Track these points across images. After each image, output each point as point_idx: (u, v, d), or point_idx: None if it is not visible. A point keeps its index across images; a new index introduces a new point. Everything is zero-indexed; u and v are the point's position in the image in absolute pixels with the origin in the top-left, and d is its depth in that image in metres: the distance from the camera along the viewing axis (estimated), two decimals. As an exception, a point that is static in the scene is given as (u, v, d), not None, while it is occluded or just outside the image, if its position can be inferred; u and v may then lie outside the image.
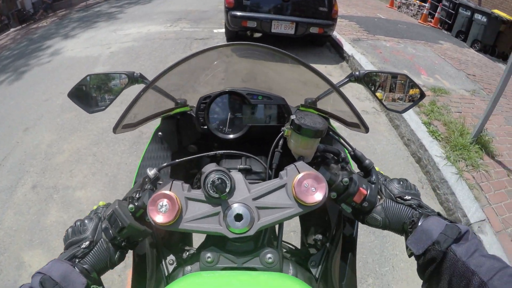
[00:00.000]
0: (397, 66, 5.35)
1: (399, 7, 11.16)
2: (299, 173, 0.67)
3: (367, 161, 0.80)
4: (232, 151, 0.87)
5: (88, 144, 3.51)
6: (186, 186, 0.69)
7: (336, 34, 6.50)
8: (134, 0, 11.56)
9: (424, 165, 3.33)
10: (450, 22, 9.27)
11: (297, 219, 1.14)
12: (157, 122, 1.08)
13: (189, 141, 1.08)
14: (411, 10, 10.62)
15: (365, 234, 2.55)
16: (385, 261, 2.39)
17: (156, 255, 0.88)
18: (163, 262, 0.86)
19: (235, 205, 0.65)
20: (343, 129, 1.05)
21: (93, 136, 3.62)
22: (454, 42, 7.94)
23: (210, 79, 1.17)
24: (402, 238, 0.70)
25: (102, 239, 0.68)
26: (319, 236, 0.96)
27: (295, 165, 0.70)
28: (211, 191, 0.66)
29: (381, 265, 2.36)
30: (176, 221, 0.64)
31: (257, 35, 6.09)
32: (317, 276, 0.87)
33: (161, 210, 0.63)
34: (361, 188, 0.72)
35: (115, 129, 0.84)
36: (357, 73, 1.03)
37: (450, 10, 9.28)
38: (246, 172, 0.94)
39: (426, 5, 9.91)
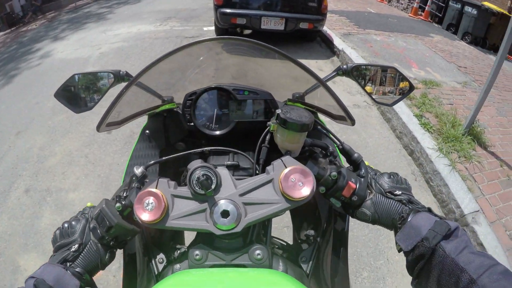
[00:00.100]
0: (388, 60, 5.37)
1: (389, 1, 11.20)
2: (286, 167, 0.66)
3: (355, 155, 0.79)
4: (219, 148, 0.87)
5: (80, 145, 3.49)
6: (172, 183, 0.69)
7: (326, 29, 6.49)
8: (123, 0, 11.48)
9: (416, 158, 3.34)
10: (440, 15, 9.31)
11: (289, 214, 1.15)
12: (145, 120, 1.07)
13: (176, 138, 1.08)
14: (401, 4, 10.67)
15: (359, 227, 2.56)
16: (380, 254, 2.40)
17: (146, 254, 0.87)
18: (153, 261, 0.86)
19: (222, 202, 0.65)
20: (335, 124, 1.05)
21: (85, 138, 3.60)
22: (444, 35, 7.97)
23: (199, 76, 1.17)
24: None
25: (91, 241, 0.67)
26: (311, 232, 0.96)
27: (282, 160, 0.69)
28: (196, 188, 0.65)
29: (376, 258, 2.37)
30: (163, 219, 0.64)
31: (247, 31, 6.08)
32: (308, 272, 0.87)
33: (147, 208, 0.63)
34: (350, 182, 0.72)
35: (98, 127, 0.83)
36: (344, 66, 1.03)
37: (440, 3, 9.33)
38: (234, 168, 0.93)
39: (416, -2, 9.95)
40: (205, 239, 0.72)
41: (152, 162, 0.77)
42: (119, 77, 1.02)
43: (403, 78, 1.05)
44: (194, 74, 1.19)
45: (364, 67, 1.07)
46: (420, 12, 9.81)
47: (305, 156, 0.80)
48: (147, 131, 1.04)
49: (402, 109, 3.84)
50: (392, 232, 0.70)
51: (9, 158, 3.41)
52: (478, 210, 2.62)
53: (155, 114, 1.05)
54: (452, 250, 0.57)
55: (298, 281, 0.64)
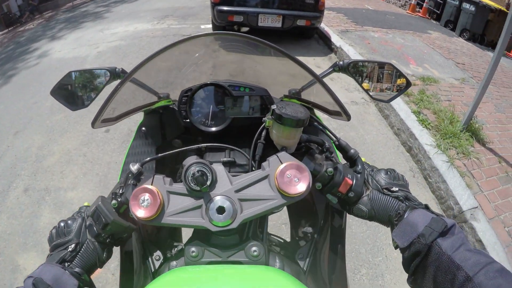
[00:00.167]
0: (386, 56, 5.36)
1: (387, -3, 11.19)
2: (281, 163, 0.66)
3: (352, 151, 0.79)
4: (215, 144, 0.86)
5: (78, 144, 3.49)
6: (168, 180, 0.69)
7: (324, 26, 6.49)
8: (120, -2, 11.47)
9: (414, 154, 3.34)
10: (438, 12, 9.32)
11: (287, 211, 1.15)
12: (141, 117, 1.07)
13: (173, 135, 1.07)
14: (399, 1, 10.66)
15: (357, 224, 2.56)
16: (378, 251, 2.40)
17: (143, 251, 0.87)
18: (150, 258, 0.85)
19: (217, 198, 0.65)
20: (332, 120, 1.05)
21: (83, 137, 3.60)
22: (442, 32, 7.96)
23: (196, 74, 1.16)
24: None
25: (88, 240, 0.67)
26: (308, 229, 0.96)
27: (277, 156, 0.69)
28: (192, 184, 0.65)
29: (374, 255, 2.37)
30: (158, 216, 0.64)
31: (244, 29, 6.07)
32: (305, 268, 0.86)
33: (142, 204, 0.63)
34: (346, 178, 0.71)
35: (93, 124, 0.82)
36: (341, 62, 1.02)
37: (438, 0, 9.31)
38: (230, 164, 0.93)
39: (414, -5, 9.95)
40: (201, 236, 0.71)
41: (148, 159, 0.77)
42: (115, 74, 1.01)
43: (400, 74, 1.04)
44: (190, 72, 1.18)
45: (361, 63, 1.06)
46: (418, 9, 9.82)
47: (301, 152, 0.79)
48: (143, 128, 1.04)
49: (400, 105, 3.84)
50: (390, 229, 0.70)
51: (8, 158, 3.41)
52: (477, 207, 2.62)
53: (151, 111, 1.05)
54: (449, 247, 0.56)
55: (295, 278, 0.64)
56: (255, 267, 0.66)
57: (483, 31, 7.87)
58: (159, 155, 0.80)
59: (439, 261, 0.56)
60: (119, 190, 0.72)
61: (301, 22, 5.47)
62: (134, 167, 0.72)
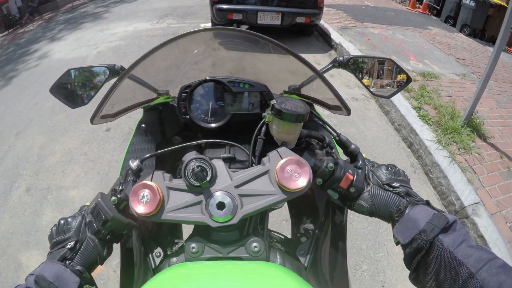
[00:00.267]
0: (386, 53, 5.35)
1: (387, -6, 11.14)
2: (282, 158, 0.65)
3: (352, 146, 0.79)
4: (214, 140, 0.86)
5: (79, 144, 3.50)
6: (168, 176, 0.68)
7: (323, 23, 6.48)
8: (120, -2, 11.46)
9: (415, 150, 3.34)
10: (438, 7, 9.27)
11: (287, 207, 1.15)
12: (141, 114, 1.07)
13: (172, 132, 1.07)
14: (399, -3, 10.62)
15: (358, 220, 2.56)
16: (379, 247, 2.40)
17: (143, 248, 0.87)
18: (150, 255, 0.85)
19: (217, 193, 0.64)
20: (334, 117, 1.05)
21: (84, 136, 3.61)
22: (443, 28, 7.94)
23: (196, 72, 1.16)
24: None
25: (88, 237, 0.67)
26: (309, 225, 0.95)
27: (277, 151, 0.68)
28: (191, 180, 0.64)
29: (376, 251, 2.37)
30: (158, 212, 0.63)
31: (244, 27, 6.07)
32: (306, 265, 0.86)
33: (142, 200, 0.62)
34: (347, 174, 0.71)
35: (92, 120, 0.82)
36: (341, 58, 1.02)
37: (438, -4, 9.29)
38: (230, 161, 0.93)
39: (414, -9, 9.91)
40: (201, 232, 0.71)
41: (148, 155, 0.77)
42: (114, 71, 1.01)
43: (400, 70, 1.04)
44: (190, 69, 1.18)
45: (361, 59, 1.06)
46: (418, 5, 9.78)
47: (302, 148, 0.79)
48: (143, 125, 1.03)
49: (401, 101, 3.83)
50: (391, 225, 0.69)
51: (10, 158, 3.43)
52: (478, 202, 2.61)
53: (151, 108, 1.05)
54: (450, 243, 0.56)
55: (296, 274, 0.64)
56: (255, 263, 0.65)
57: (483, 27, 7.81)
58: (159, 151, 0.80)
59: (441, 258, 0.56)
60: (119, 187, 0.72)
61: (300, 19, 5.45)
62: (133, 164, 0.72)
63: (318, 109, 1.05)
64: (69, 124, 3.86)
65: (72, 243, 0.65)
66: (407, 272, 0.63)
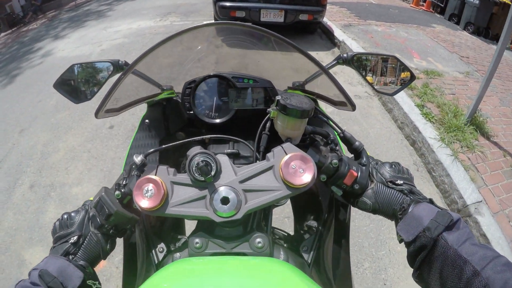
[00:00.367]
0: (389, 50, 5.33)
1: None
2: (286, 154, 0.65)
3: (357, 143, 0.78)
4: (219, 135, 0.86)
5: (83, 141, 3.51)
6: (172, 170, 0.68)
7: (326, 20, 6.47)
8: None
9: (418, 148, 3.33)
10: (442, 5, 9.23)
11: (290, 205, 1.15)
12: (144, 110, 1.08)
13: (176, 127, 1.07)
14: (403, -5, 10.56)
15: (360, 218, 2.56)
16: (381, 245, 2.40)
17: (146, 243, 0.87)
18: (153, 250, 0.85)
19: (222, 188, 0.64)
20: (336, 114, 1.04)
21: (87, 133, 3.63)
22: (447, 25, 7.90)
23: (199, 70, 1.17)
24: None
25: (91, 232, 0.67)
26: (312, 222, 0.95)
27: (282, 147, 0.68)
28: (196, 174, 0.64)
29: (378, 249, 2.37)
30: (162, 206, 0.63)
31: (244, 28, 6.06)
32: (309, 261, 0.86)
33: (146, 195, 0.62)
34: (351, 170, 0.71)
35: (97, 114, 0.82)
36: (345, 55, 1.01)
37: (442, -7, 9.24)
38: (234, 156, 0.93)
39: (418, -12, 9.86)
40: (205, 227, 0.71)
41: (152, 150, 0.77)
42: (118, 66, 1.00)
43: (404, 68, 1.03)
44: (193, 67, 1.18)
45: (365, 56, 1.05)
46: (421, 3, 9.74)
47: (306, 144, 0.79)
48: (147, 121, 1.04)
49: (404, 99, 3.82)
50: (394, 222, 0.69)
51: (14, 155, 3.44)
52: (481, 201, 2.60)
53: (155, 103, 1.05)
54: (455, 241, 0.56)
55: (299, 270, 0.64)
56: (259, 258, 0.65)
57: (487, 25, 7.78)
58: (163, 146, 0.80)
59: (445, 255, 0.55)
60: (123, 181, 0.72)
61: (303, 17, 5.44)
62: (137, 158, 0.72)
63: (322, 106, 1.05)
64: (73, 121, 3.87)
65: (75, 237, 0.65)
66: (409, 270, 0.63)
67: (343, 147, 0.87)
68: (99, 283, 0.66)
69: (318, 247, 0.89)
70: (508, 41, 3.04)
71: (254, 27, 0.79)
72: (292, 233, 1.07)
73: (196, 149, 0.68)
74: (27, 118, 4.13)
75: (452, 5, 8.64)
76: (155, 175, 0.65)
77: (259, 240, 0.67)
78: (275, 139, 0.80)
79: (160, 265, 0.82)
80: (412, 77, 1.03)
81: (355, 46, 5.30)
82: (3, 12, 12.60)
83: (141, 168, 0.73)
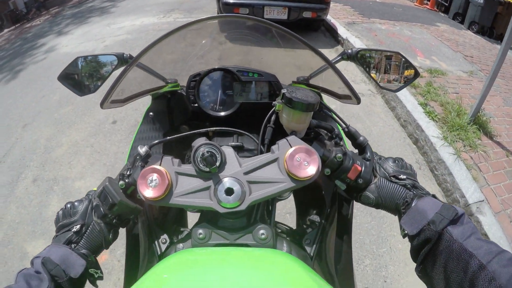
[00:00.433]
0: (393, 48, 5.22)
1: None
2: (291, 147, 0.65)
3: (361, 138, 0.78)
4: (223, 128, 0.86)
5: (86, 136, 3.53)
6: (177, 161, 0.68)
7: (330, 18, 6.44)
8: (126, -7, 11.45)
9: (421, 146, 3.32)
10: (446, 4, 9.16)
11: (292, 200, 1.15)
12: (148, 104, 1.08)
13: (180, 120, 1.08)
14: (407, -7, 10.50)
15: (362, 215, 2.56)
16: (382, 242, 2.40)
17: (149, 235, 0.87)
18: (156, 241, 0.85)
19: (226, 179, 0.64)
20: (339, 111, 1.04)
21: (90, 128, 3.64)
22: (451, 24, 7.85)
23: (203, 65, 1.17)
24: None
25: (94, 221, 0.67)
26: (315, 217, 0.95)
27: (287, 139, 0.69)
28: (201, 165, 0.64)
29: (378, 246, 2.37)
30: (166, 196, 0.63)
31: (250, 22, 6.04)
32: (312, 254, 0.86)
33: (150, 184, 0.62)
34: (355, 165, 0.71)
35: (102, 104, 0.82)
36: (349, 51, 1.01)
37: (446, -8, 9.18)
38: (238, 149, 0.93)
39: (422, -13, 9.80)
40: (209, 218, 0.71)
41: (156, 141, 0.77)
42: (122, 59, 1.00)
43: (408, 65, 1.03)
44: (197, 62, 1.19)
45: (369, 53, 1.05)
46: (426, 1, 9.67)
47: (310, 138, 0.79)
48: (151, 113, 1.04)
49: (407, 97, 3.81)
50: (396, 220, 0.68)
51: (17, 149, 3.46)
52: (483, 200, 2.59)
53: (159, 96, 1.05)
54: (459, 235, 0.55)
55: (302, 262, 0.64)
56: (262, 250, 0.65)
57: (492, 24, 7.71)
58: (168, 138, 0.80)
59: (450, 249, 0.55)
60: (127, 172, 0.72)
61: (307, 14, 5.41)
62: (142, 149, 0.72)
63: (327, 102, 1.05)
64: (76, 116, 3.89)
65: (78, 226, 0.66)
66: (410, 268, 0.63)
67: (347, 142, 0.87)
68: (101, 272, 0.67)
69: (321, 241, 0.89)
70: (512, 41, 3.02)
71: (260, 20, 0.80)
72: (294, 227, 1.07)
73: (201, 140, 0.68)
74: (31, 113, 4.15)
75: (457, 4, 8.58)
76: (160, 165, 0.65)
77: (262, 231, 0.67)
78: (279, 133, 0.80)
79: (162, 256, 0.82)
80: (416, 74, 1.03)
81: (358, 44, 5.28)
82: (6, 9, 12.61)
83: (145, 159, 0.73)
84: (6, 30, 11.25)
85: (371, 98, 4.21)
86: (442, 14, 9.21)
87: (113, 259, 2.20)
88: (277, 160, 0.66)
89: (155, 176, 0.63)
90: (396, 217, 0.70)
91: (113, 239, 0.71)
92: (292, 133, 0.75)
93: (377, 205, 0.71)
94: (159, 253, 0.84)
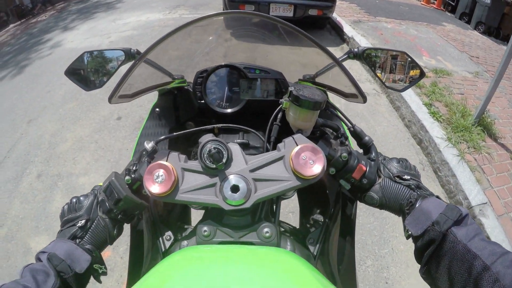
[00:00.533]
0: (399, 48, 5.21)
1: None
2: (297, 145, 0.66)
3: (366, 138, 0.79)
4: (229, 125, 0.86)
5: (90, 132, 3.54)
6: (183, 157, 0.69)
7: (336, 16, 6.42)
8: (132, -11, 11.46)
9: (425, 147, 3.31)
10: (453, 3, 9.09)
11: (296, 199, 1.15)
12: (153, 100, 1.08)
13: (186, 117, 1.08)
14: (414, -8, 10.43)
15: (364, 215, 2.56)
16: (385, 243, 2.40)
17: (153, 231, 0.88)
18: (160, 238, 0.86)
19: (232, 176, 0.64)
20: (343, 110, 1.04)
21: (95, 124, 3.65)
22: (457, 24, 7.80)
23: (208, 62, 1.17)
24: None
25: (99, 217, 0.68)
26: (319, 216, 0.96)
27: (293, 138, 0.69)
28: (207, 161, 0.64)
29: (381, 247, 2.37)
30: (172, 192, 0.64)
31: (256, 19, 6.03)
32: (315, 253, 0.86)
33: (157, 180, 0.62)
34: (360, 164, 0.71)
35: (110, 99, 0.82)
36: (355, 49, 1.01)
37: (453, -9, 9.10)
38: (244, 146, 0.93)
39: (429, -14, 9.73)
40: (214, 216, 0.71)
41: (163, 137, 0.78)
42: (130, 55, 1.00)
43: (414, 65, 1.02)
44: (202, 60, 1.19)
45: (375, 53, 1.04)
46: (432, 1, 9.61)
47: (316, 137, 0.79)
48: (157, 109, 1.04)
49: (412, 97, 3.79)
50: (398, 221, 0.69)
51: (22, 145, 3.48)
52: (486, 202, 2.58)
53: (166, 92, 1.06)
54: (464, 236, 0.56)
55: (306, 261, 0.64)
56: (267, 248, 0.66)
57: (498, 25, 7.65)
58: (174, 134, 0.81)
59: (454, 250, 0.55)
60: (133, 167, 0.72)
61: (313, 12, 5.39)
62: (148, 145, 0.73)
63: (333, 100, 1.05)
64: (81, 112, 3.90)
65: (83, 221, 0.66)
66: (412, 269, 0.63)
67: (352, 141, 0.87)
68: (105, 268, 0.67)
69: (324, 240, 0.89)
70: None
71: (268, 16, 0.79)
72: (297, 227, 1.08)
73: (208, 136, 0.68)
74: (36, 108, 4.16)
75: (463, 3, 8.51)
76: (166, 161, 0.66)
77: (267, 230, 0.67)
78: (285, 131, 0.80)
79: (167, 253, 0.82)
80: (422, 74, 1.02)
81: (364, 43, 5.26)
82: (12, 4, 12.63)
83: (152, 155, 0.73)
84: (11, 25, 11.28)
85: (376, 97, 4.19)
86: (449, 14, 9.14)
87: (115, 255, 2.21)
88: (283, 158, 0.67)
89: (161, 172, 0.63)
90: (399, 218, 0.70)
91: (117, 235, 0.71)
92: (298, 131, 0.75)
93: (381, 205, 0.71)
94: (163, 250, 0.85)
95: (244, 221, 0.70)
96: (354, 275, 0.93)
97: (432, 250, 0.58)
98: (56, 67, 5.30)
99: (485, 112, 3.41)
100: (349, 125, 0.83)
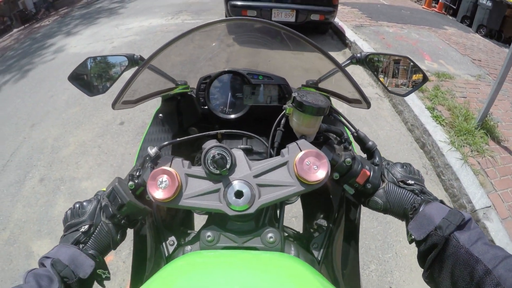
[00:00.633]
0: (401, 52, 5.27)
1: (402, -7, 10.97)
2: (301, 150, 0.66)
3: (370, 143, 0.78)
4: (233, 131, 0.86)
5: (93, 136, 3.55)
6: (187, 163, 0.69)
7: (338, 21, 6.43)
8: (135, -6, 11.53)
9: (428, 151, 3.30)
10: (455, 7, 9.09)
11: (299, 204, 1.15)
12: (157, 106, 1.08)
13: (190, 123, 1.08)
14: (415, -4, 10.45)
15: (368, 220, 2.55)
16: (388, 247, 2.39)
17: (157, 236, 0.87)
18: (164, 243, 0.86)
19: (236, 182, 0.64)
20: (346, 115, 1.04)
21: (98, 129, 3.66)
22: (459, 28, 7.80)
23: (211, 68, 1.17)
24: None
25: (102, 222, 0.67)
26: (322, 221, 0.95)
27: (297, 143, 0.69)
28: (211, 167, 0.64)
29: (384, 251, 2.36)
30: (176, 198, 0.63)
31: (258, 25, 6.05)
32: (319, 258, 0.86)
33: (160, 186, 0.63)
34: (364, 169, 0.71)
35: (114, 105, 0.82)
36: (358, 55, 1.01)
37: (454, -5, 9.11)
38: (248, 152, 0.93)
39: (431, -10, 9.74)
40: (217, 221, 0.71)
41: (166, 143, 0.78)
42: (133, 60, 1.00)
43: (417, 69, 1.03)
44: (205, 65, 1.19)
45: (377, 58, 1.05)
46: (434, 4, 9.62)
47: (320, 142, 0.79)
48: (160, 115, 1.04)
49: (414, 101, 3.78)
50: (402, 226, 0.69)
51: (24, 149, 3.49)
52: (490, 206, 2.57)
53: (169, 98, 1.06)
54: (466, 240, 0.56)
55: (310, 266, 0.64)
56: (271, 253, 0.65)
57: (500, 27, 7.63)
58: (177, 139, 0.81)
59: (457, 255, 0.55)
60: (136, 172, 0.72)
61: (315, 17, 5.41)
62: (152, 151, 0.72)
63: (336, 106, 1.05)
64: (84, 117, 3.91)
65: (86, 226, 0.66)
66: (415, 274, 0.63)
67: (356, 147, 0.87)
68: (109, 273, 0.67)
69: (328, 245, 0.89)
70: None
71: (270, 22, 0.79)
72: (300, 231, 1.07)
73: (212, 142, 0.68)
74: (39, 112, 4.18)
75: (465, 7, 8.51)
76: (170, 166, 0.66)
77: (270, 235, 0.67)
78: (289, 137, 0.80)
79: (170, 258, 0.82)
80: (425, 79, 1.02)
81: (366, 47, 5.27)
82: (15, 9, 12.72)
83: (155, 160, 0.73)
84: (15, 30, 11.36)
85: (378, 101, 4.19)
86: (450, 17, 9.14)
87: (118, 260, 2.21)
88: (286, 163, 0.66)
89: (165, 177, 0.63)
90: (402, 222, 0.70)
91: (120, 240, 0.71)
92: (302, 137, 0.75)
93: (385, 210, 0.71)
94: (166, 255, 0.84)
95: (248, 226, 0.70)
96: (359, 280, 0.92)
97: (435, 254, 0.58)
98: (59, 72, 5.34)
99: (488, 115, 3.40)
100: (353, 130, 0.83)
